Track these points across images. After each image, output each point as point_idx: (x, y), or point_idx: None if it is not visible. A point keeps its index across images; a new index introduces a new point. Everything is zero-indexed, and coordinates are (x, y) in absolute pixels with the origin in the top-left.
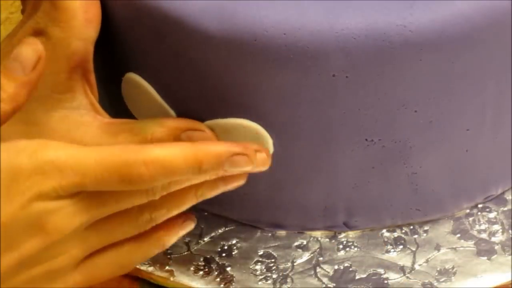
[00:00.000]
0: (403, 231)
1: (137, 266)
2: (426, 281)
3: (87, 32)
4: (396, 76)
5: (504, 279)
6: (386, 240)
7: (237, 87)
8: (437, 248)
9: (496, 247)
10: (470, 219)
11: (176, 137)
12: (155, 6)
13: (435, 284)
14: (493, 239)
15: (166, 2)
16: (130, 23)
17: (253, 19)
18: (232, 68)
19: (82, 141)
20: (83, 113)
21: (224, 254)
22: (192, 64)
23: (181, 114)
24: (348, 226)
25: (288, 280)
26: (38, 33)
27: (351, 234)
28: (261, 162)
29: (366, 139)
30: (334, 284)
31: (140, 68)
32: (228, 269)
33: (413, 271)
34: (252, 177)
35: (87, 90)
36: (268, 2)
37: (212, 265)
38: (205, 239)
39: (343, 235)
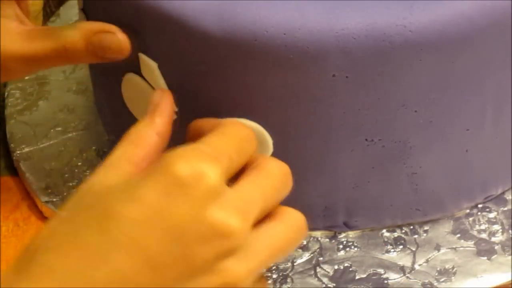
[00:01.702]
0: (403, 231)
1: None
2: (426, 281)
3: None
4: (396, 76)
5: (504, 279)
6: (386, 240)
7: (237, 87)
8: (437, 248)
9: (496, 247)
10: (470, 219)
11: (88, 40)
12: (155, 6)
13: (435, 284)
14: (493, 239)
15: (166, 2)
16: (130, 23)
17: (253, 19)
18: (232, 68)
19: (2, 43)
20: (5, 22)
21: None
22: (192, 64)
23: (181, 114)
24: (348, 226)
25: (288, 280)
26: None
27: (351, 234)
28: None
29: (366, 139)
30: (334, 284)
31: (140, 68)
32: None
33: (413, 271)
34: None
35: (14, 3)
36: (268, 2)
37: None
38: None
39: (343, 235)
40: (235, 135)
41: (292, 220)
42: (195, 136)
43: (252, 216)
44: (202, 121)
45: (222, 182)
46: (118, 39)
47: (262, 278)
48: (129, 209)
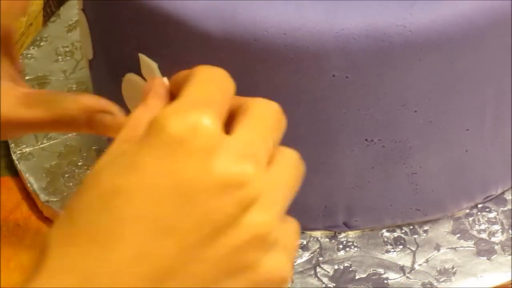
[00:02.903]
0: (403, 231)
1: None
2: (426, 281)
3: (11, 9)
4: (396, 76)
5: (504, 279)
6: (386, 240)
7: (237, 87)
8: (437, 248)
9: (496, 247)
10: (470, 219)
11: (89, 117)
12: (155, 6)
13: (435, 284)
14: (493, 239)
15: (166, 2)
16: (131, 23)
17: (253, 19)
18: (232, 68)
19: None
20: (1, 82)
21: None
22: (192, 64)
23: None
24: (348, 226)
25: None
26: None
27: (351, 234)
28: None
29: (366, 139)
30: (334, 284)
31: (140, 69)
32: None
33: (413, 271)
34: None
35: (6, 62)
36: (268, 2)
37: None
38: None
39: (343, 235)
40: (212, 78)
41: (292, 158)
42: (175, 93)
43: (262, 159)
44: (174, 76)
45: (219, 129)
46: (119, 121)
47: (287, 218)
48: (130, 180)
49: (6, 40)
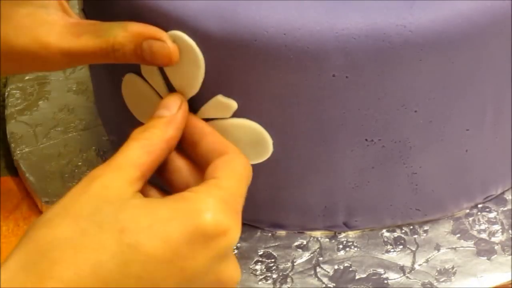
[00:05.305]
0: (403, 231)
1: None
2: (426, 281)
3: None
4: (396, 76)
5: (504, 279)
6: (386, 240)
7: (237, 87)
8: (437, 248)
9: (496, 247)
10: (470, 219)
11: (138, 44)
12: (155, 6)
13: (435, 284)
14: (493, 239)
15: (166, 2)
16: None
17: (253, 19)
18: (232, 68)
19: (46, 39)
20: (50, 12)
21: None
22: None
23: None
24: (348, 226)
25: (288, 280)
26: None
27: (351, 234)
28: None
29: (366, 139)
30: (334, 284)
31: (140, 69)
32: None
33: (413, 271)
34: (252, 177)
35: None
36: (268, 2)
37: None
38: None
39: (343, 235)
40: (247, 178)
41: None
42: (202, 157)
43: (240, 210)
44: (208, 139)
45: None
46: (168, 48)
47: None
48: (155, 247)
49: None
